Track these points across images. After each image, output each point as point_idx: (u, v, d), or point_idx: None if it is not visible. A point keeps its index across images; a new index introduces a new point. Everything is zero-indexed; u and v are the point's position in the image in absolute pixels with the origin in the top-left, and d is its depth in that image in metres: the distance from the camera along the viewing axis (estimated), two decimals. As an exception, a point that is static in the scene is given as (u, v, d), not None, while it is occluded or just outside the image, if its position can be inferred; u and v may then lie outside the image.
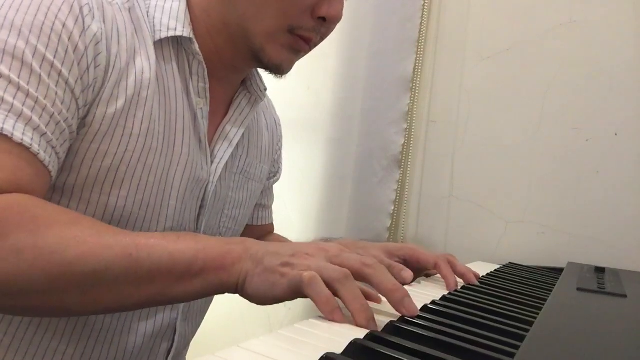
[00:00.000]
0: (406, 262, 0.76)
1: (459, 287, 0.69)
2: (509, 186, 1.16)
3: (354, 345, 0.39)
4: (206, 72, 0.65)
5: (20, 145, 0.49)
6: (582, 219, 1.07)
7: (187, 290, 0.49)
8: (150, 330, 0.66)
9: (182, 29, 0.63)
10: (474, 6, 1.22)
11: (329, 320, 0.46)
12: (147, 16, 0.62)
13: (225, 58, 0.67)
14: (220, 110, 0.71)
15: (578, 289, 0.71)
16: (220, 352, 0.36)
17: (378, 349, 0.38)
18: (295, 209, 0.97)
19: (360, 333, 0.42)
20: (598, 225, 1.06)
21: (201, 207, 0.69)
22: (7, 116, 0.49)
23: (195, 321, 0.75)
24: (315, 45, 0.66)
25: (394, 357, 0.37)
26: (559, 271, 0.91)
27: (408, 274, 0.65)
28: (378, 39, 1.30)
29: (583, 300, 0.66)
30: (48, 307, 0.49)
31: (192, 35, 0.63)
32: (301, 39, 0.64)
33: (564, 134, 1.10)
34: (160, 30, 0.62)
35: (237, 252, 0.50)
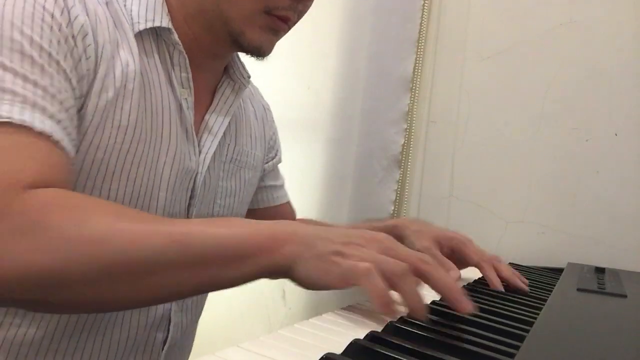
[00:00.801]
0: (453, 253, 0.76)
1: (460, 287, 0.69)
2: (509, 186, 1.16)
3: (354, 346, 0.39)
4: (187, 62, 0.65)
5: (42, 134, 0.49)
6: (582, 219, 1.07)
7: (237, 274, 0.49)
8: (144, 322, 0.66)
9: (160, 20, 0.63)
10: (474, 6, 1.22)
11: (382, 314, 0.45)
12: (125, 8, 0.62)
13: (204, 45, 0.67)
14: (204, 99, 0.71)
15: (578, 289, 0.71)
16: (220, 352, 0.36)
17: (378, 349, 0.38)
18: (296, 209, 0.97)
19: (361, 333, 0.42)
20: (598, 225, 1.06)
21: (191, 197, 0.69)
22: (22, 107, 0.48)
23: (192, 312, 0.75)
24: (294, 23, 0.67)
25: (394, 357, 0.37)
26: (559, 271, 0.90)
27: (456, 274, 0.65)
28: (378, 39, 1.30)
29: (583, 300, 0.66)
30: (102, 299, 0.48)
31: (170, 25, 0.63)
32: (278, 18, 0.64)
33: (564, 134, 1.10)
34: (139, 22, 0.62)
35: (287, 235, 0.49)
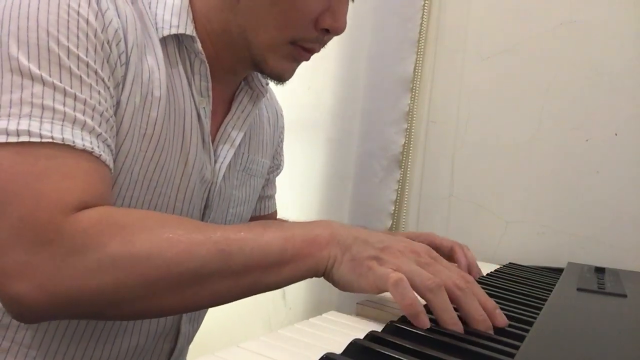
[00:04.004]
0: None
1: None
2: (509, 186, 1.16)
3: (354, 345, 0.39)
4: (208, 71, 0.64)
5: (84, 151, 0.49)
6: (582, 219, 1.07)
7: (279, 278, 0.50)
8: (154, 331, 0.66)
9: (185, 27, 0.62)
10: (474, 6, 1.22)
11: (414, 324, 0.45)
12: (149, 11, 0.61)
13: (225, 62, 0.67)
14: (221, 108, 0.70)
15: (578, 289, 0.71)
16: (220, 352, 0.36)
17: (378, 349, 0.38)
18: (295, 209, 0.97)
19: (361, 333, 0.42)
20: (598, 225, 1.06)
21: (205, 207, 0.68)
22: (62, 125, 0.49)
23: (198, 320, 0.76)
24: (317, 52, 0.66)
25: (394, 357, 0.37)
26: (559, 271, 0.90)
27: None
28: (378, 39, 1.30)
29: (583, 300, 0.66)
30: (151, 311, 0.50)
31: (194, 34, 0.62)
32: (303, 49, 0.63)
33: (564, 134, 1.10)
34: (163, 27, 0.61)
35: (325, 238, 0.50)
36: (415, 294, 0.47)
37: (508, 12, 1.18)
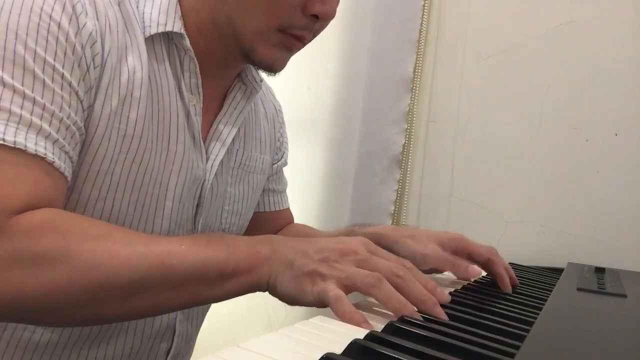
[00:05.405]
0: (455, 254, 0.74)
1: (459, 288, 0.69)
2: (509, 186, 1.16)
3: (354, 345, 0.39)
4: (198, 68, 0.64)
5: (36, 156, 0.49)
6: (582, 219, 1.07)
7: (220, 292, 0.50)
8: (149, 331, 0.66)
9: (173, 24, 0.61)
10: (474, 6, 1.22)
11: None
12: (137, 10, 0.61)
13: (216, 56, 0.66)
14: (214, 105, 0.70)
15: (578, 289, 0.71)
16: (220, 352, 0.36)
17: (378, 349, 0.38)
18: (295, 209, 0.97)
19: (361, 333, 0.42)
20: (598, 225, 1.06)
21: (198, 205, 0.68)
22: (17, 128, 0.48)
23: (196, 321, 0.75)
24: (309, 41, 0.65)
25: (394, 357, 0.37)
26: (559, 271, 0.90)
27: (476, 270, 0.66)
28: (378, 39, 1.30)
29: (583, 300, 0.66)
30: (87, 319, 0.50)
31: (183, 31, 0.62)
32: (293, 37, 0.62)
33: (564, 134, 1.10)
34: (150, 26, 0.60)
35: (265, 254, 0.51)
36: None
37: (508, 12, 1.18)
